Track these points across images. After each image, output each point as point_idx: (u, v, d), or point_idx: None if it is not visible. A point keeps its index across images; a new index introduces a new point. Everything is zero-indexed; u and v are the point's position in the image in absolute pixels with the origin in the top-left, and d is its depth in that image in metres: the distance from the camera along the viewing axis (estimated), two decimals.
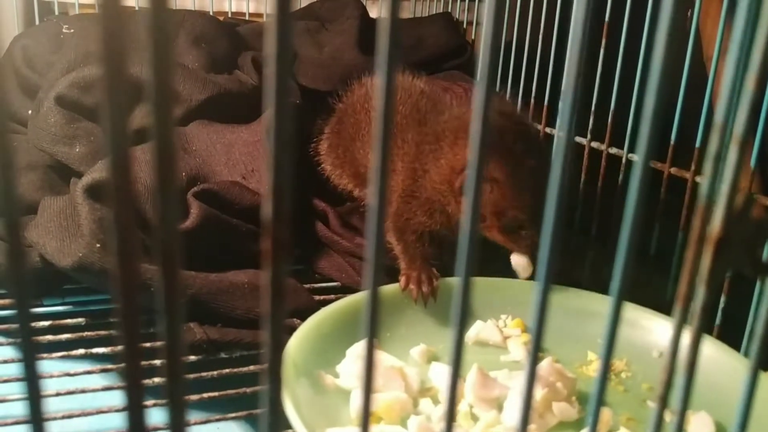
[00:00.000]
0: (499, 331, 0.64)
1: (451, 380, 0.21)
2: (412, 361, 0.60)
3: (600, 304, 0.63)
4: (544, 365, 0.54)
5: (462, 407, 0.52)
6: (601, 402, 0.23)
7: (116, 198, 0.16)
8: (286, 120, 0.16)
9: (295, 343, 0.54)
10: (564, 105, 0.18)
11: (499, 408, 0.52)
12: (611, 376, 0.60)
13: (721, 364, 0.55)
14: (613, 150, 0.78)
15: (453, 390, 0.21)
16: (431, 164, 0.65)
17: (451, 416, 0.22)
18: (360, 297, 0.62)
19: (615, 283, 0.21)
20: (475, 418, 0.52)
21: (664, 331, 0.61)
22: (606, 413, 0.52)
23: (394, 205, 0.68)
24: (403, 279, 0.65)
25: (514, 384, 0.54)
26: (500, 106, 0.64)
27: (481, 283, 0.65)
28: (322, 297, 0.69)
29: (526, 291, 0.65)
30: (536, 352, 0.22)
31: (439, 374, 0.57)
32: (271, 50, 0.16)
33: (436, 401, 0.54)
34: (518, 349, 0.62)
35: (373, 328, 0.19)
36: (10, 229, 0.17)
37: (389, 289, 0.64)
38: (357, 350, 0.56)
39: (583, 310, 0.63)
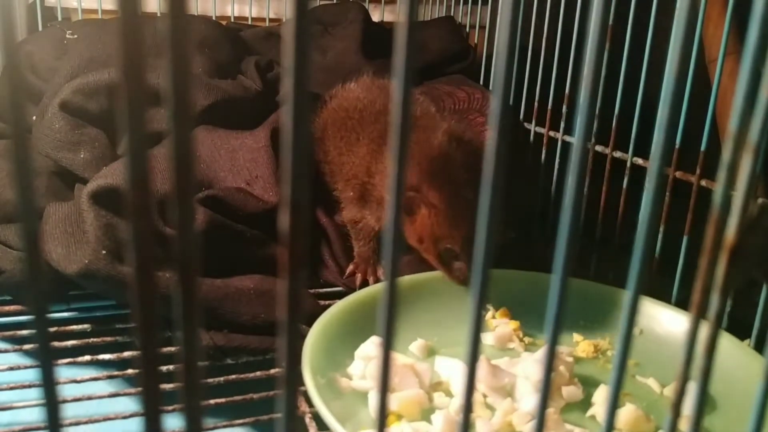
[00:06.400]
0: (488, 322, 0.66)
1: (468, 374, 0.21)
2: (412, 356, 0.61)
3: (579, 288, 0.66)
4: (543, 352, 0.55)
5: (476, 398, 0.53)
6: (617, 396, 0.23)
7: (134, 209, 0.17)
8: (303, 131, 0.16)
9: (307, 349, 0.54)
10: (581, 118, 0.18)
11: (510, 395, 0.54)
12: (598, 355, 0.63)
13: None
14: (618, 154, 0.78)
15: (470, 382, 0.21)
16: (380, 171, 0.66)
17: (468, 407, 0.22)
18: (360, 296, 0.63)
19: (630, 290, 0.21)
20: (490, 407, 0.53)
21: (643, 308, 0.62)
22: None
23: (350, 201, 0.71)
24: (351, 266, 0.72)
25: (519, 371, 0.55)
26: (453, 128, 0.65)
27: None
28: (327, 302, 0.69)
29: (506, 281, 0.68)
30: (554, 346, 0.22)
31: (446, 368, 0.58)
32: (289, 60, 0.16)
33: (448, 394, 0.55)
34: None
35: (391, 329, 0.19)
36: (28, 239, 0.17)
37: (380, 287, 0.64)
38: (365, 351, 0.57)
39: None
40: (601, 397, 0.54)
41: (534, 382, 0.53)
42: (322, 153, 0.77)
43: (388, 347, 0.20)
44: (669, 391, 0.57)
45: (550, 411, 0.50)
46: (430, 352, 0.62)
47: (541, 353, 0.55)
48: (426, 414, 0.52)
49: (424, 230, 0.62)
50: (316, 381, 0.51)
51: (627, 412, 0.52)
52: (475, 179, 0.61)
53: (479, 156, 0.61)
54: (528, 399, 0.52)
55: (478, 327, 0.21)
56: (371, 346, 0.57)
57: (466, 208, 0.60)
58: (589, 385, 0.56)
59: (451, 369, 0.57)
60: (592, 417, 0.53)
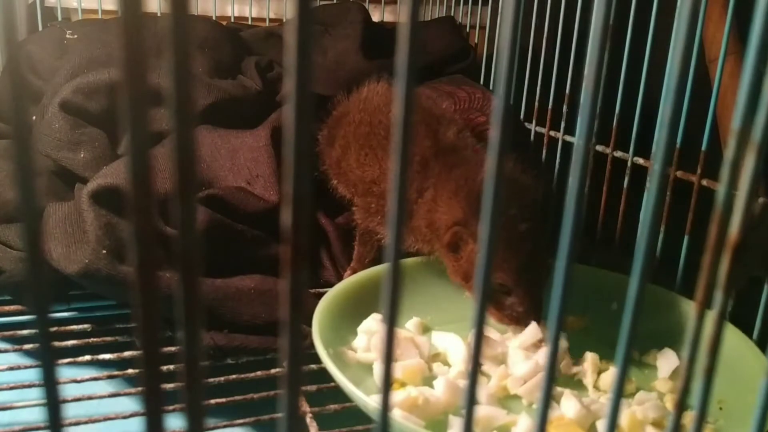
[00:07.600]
0: None
1: (475, 343, 0.21)
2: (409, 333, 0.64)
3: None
4: (532, 329, 0.59)
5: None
6: (619, 396, 0.23)
7: (135, 208, 0.17)
8: (305, 128, 0.16)
9: (315, 324, 0.57)
10: (582, 117, 0.18)
11: (504, 363, 0.58)
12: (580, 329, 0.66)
13: (677, 306, 0.64)
14: (618, 153, 0.78)
15: (477, 350, 0.21)
16: (422, 199, 0.63)
17: (475, 372, 0.22)
18: (362, 276, 0.66)
19: (632, 291, 0.21)
20: (486, 374, 0.57)
21: (618, 283, 0.65)
22: (595, 358, 0.59)
23: (371, 214, 0.69)
24: (349, 271, 0.72)
25: (510, 343, 0.59)
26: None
27: None
28: None
29: None
30: (556, 348, 0.22)
31: (442, 341, 0.61)
32: (291, 58, 0.16)
33: (446, 363, 0.59)
34: None
35: (395, 301, 0.19)
36: (29, 239, 0.17)
37: (380, 269, 0.67)
38: (368, 326, 0.60)
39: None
40: (585, 362, 0.59)
41: (524, 351, 0.57)
42: (334, 162, 0.74)
43: (393, 318, 0.19)
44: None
45: (540, 375, 0.54)
46: (425, 329, 0.65)
47: (531, 327, 0.59)
48: (427, 382, 0.55)
49: (472, 266, 0.59)
50: (327, 352, 0.53)
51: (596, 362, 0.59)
52: (527, 209, 0.58)
53: (527, 184, 0.60)
54: (520, 366, 0.56)
55: (484, 305, 0.21)
56: (373, 322, 0.60)
57: (518, 239, 0.57)
58: (573, 353, 0.61)
59: (447, 342, 0.61)
60: (579, 381, 0.58)
